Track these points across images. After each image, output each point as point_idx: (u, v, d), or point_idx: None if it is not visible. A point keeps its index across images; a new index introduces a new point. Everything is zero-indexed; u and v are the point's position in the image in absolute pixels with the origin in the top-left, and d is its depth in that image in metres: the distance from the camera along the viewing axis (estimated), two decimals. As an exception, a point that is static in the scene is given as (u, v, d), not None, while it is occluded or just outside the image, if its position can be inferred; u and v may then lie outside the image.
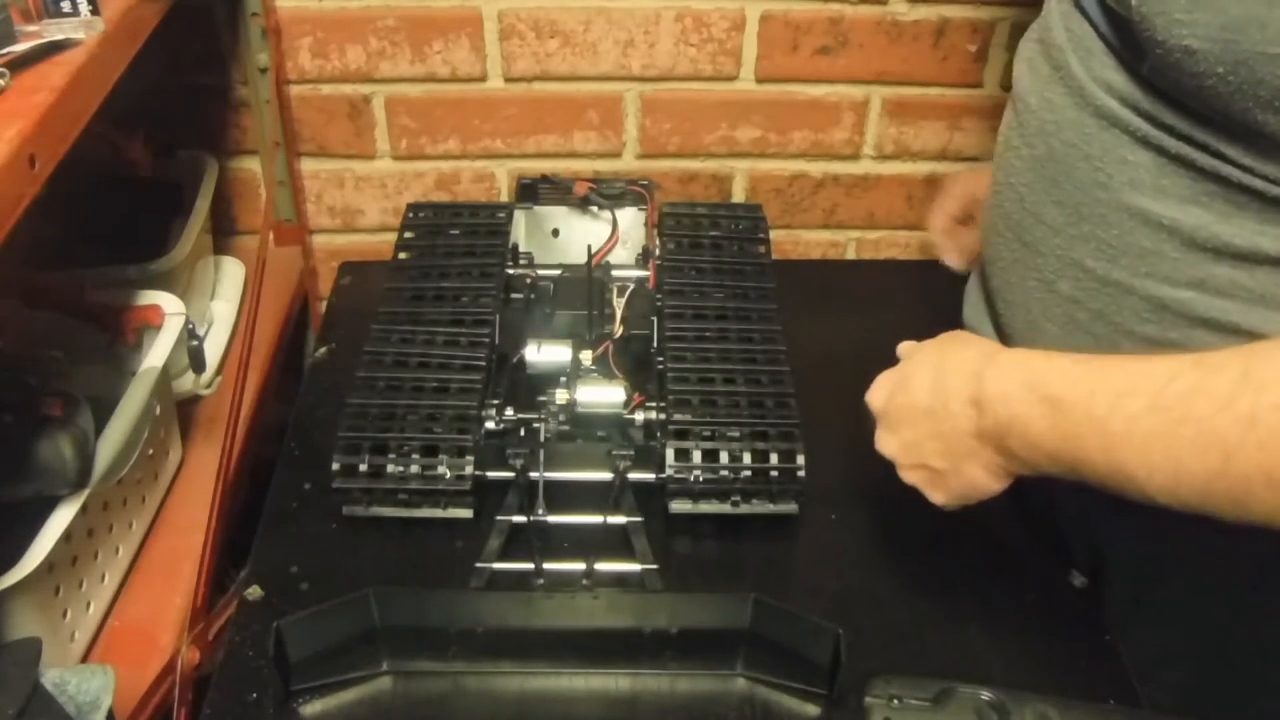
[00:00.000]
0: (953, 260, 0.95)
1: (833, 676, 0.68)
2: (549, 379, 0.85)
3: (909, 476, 0.70)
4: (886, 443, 0.70)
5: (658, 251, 0.96)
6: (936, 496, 0.69)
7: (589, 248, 0.95)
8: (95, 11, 0.67)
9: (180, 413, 0.93)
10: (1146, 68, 0.61)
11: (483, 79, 1.10)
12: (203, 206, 1.04)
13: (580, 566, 0.76)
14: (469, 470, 0.77)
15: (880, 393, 0.71)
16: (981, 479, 0.66)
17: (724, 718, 0.69)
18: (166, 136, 1.09)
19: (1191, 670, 0.76)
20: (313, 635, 0.68)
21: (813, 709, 0.69)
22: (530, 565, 0.76)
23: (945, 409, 0.65)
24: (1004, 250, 0.77)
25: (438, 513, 0.80)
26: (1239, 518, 0.54)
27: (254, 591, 0.76)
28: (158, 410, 0.86)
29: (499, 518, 0.78)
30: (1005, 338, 0.79)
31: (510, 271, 0.95)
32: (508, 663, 0.71)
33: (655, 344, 0.89)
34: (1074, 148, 0.68)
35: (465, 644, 0.71)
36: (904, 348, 0.73)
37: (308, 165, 1.16)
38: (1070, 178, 0.69)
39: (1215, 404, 0.54)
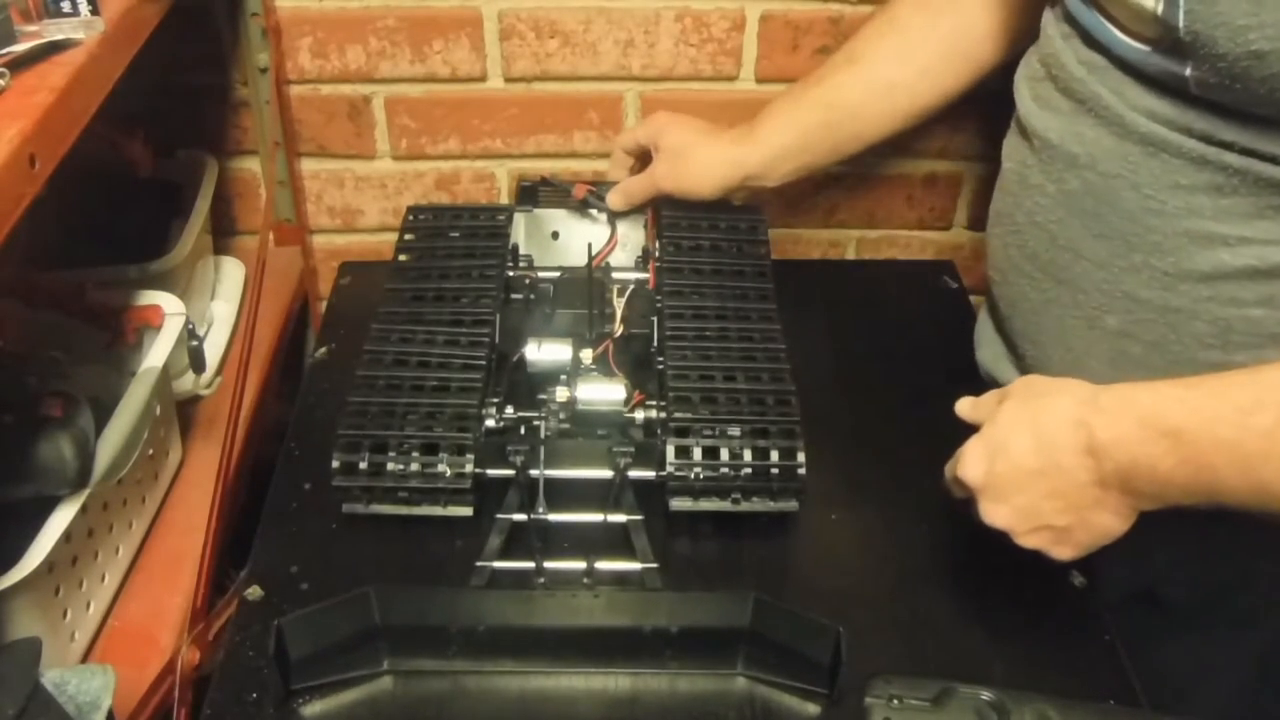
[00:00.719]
0: (614, 199, 0.96)
1: (833, 676, 0.68)
2: (549, 377, 0.85)
3: (1029, 541, 0.66)
4: (996, 514, 0.66)
5: (657, 253, 0.96)
6: (1063, 553, 0.66)
7: (589, 247, 0.95)
8: (95, 11, 0.67)
9: (180, 413, 0.93)
10: (1194, 85, 0.59)
11: (483, 79, 1.10)
12: (203, 206, 1.04)
13: (581, 565, 0.76)
14: (469, 468, 0.77)
15: (976, 465, 0.66)
16: (1111, 524, 0.64)
17: (724, 717, 0.69)
18: (166, 136, 1.09)
19: (1240, 688, 0.75)
20: (313, 634, 0.68)
21: (813, 708, 0.69)
22: (531, 564, 0.76)
23: (1057, 466, 0.63)
24: (1031, 291, 0.74)
25: (438, 511, 0.80)
26: None
27: (254, 591, 0.76)
28: (158, 410, 0.86)
29: (499, 516, 0.78)
30: None
31: (510, 273, 0.95)
32: (508, 661, 0.71)
33: (655, 343, 0.89)
34: (1117, 178, 0.66)
35: (466, 643, 0.71)
36: (968, 408, 0.69)
37: (308, 165, 1.16)
38: (1114, 209, 0.67)
39: None
